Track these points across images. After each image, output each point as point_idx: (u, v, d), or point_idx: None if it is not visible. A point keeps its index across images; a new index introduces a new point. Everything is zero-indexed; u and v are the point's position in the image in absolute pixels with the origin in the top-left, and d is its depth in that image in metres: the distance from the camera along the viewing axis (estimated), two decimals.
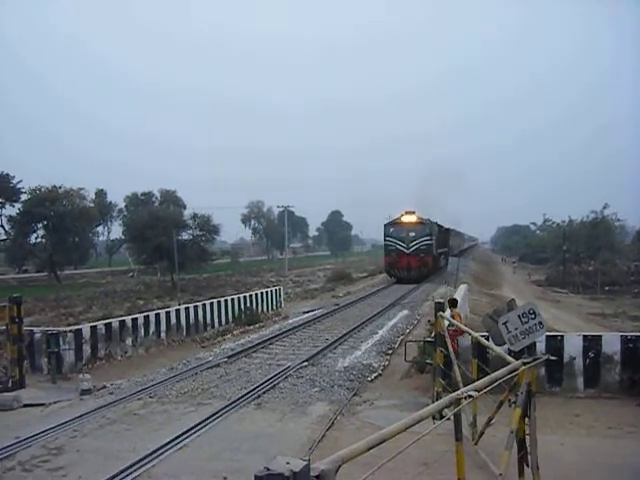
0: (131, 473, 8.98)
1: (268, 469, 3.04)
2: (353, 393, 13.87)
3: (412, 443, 4.30)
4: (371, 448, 3.87)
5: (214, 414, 12.04)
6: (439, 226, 58.09)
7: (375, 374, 15.72)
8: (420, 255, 49.00)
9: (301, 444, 10.19)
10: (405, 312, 28.51)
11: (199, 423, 11.41)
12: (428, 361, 13.32)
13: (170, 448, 10.10)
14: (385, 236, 51.29)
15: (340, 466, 3.50)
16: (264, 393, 13.76)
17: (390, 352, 18.54)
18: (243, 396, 13.41)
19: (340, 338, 20.86)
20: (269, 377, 15.05)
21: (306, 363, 16.69)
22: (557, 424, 10.97)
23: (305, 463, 3.14)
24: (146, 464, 9.35)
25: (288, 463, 3.10)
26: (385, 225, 52.02)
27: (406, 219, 50.41)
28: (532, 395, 6.79)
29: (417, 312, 28.40)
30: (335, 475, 3.42)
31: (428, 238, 49.89)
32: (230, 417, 12.07)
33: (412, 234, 49.56)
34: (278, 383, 14.61)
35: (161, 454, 9.81)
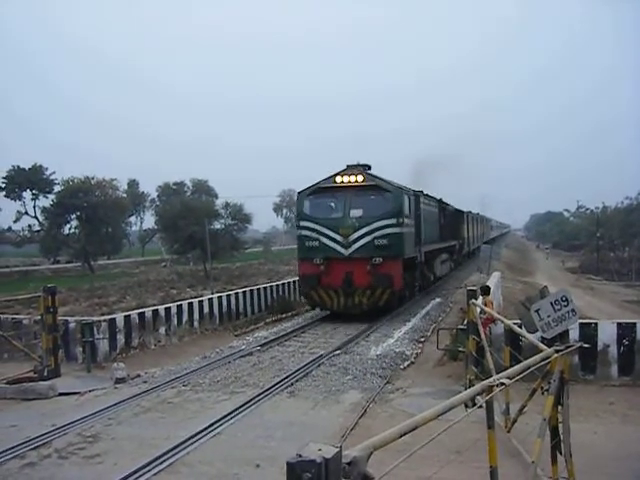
0: (165, 460, 9.07)
1: (300, 456, 3.06)
2: (386, 381, 13.86)
3: (444, 430, 4.29)
4: (403, 435, 3.86)
5: (247, 402, 12.11)
6: (440, 203, 35.20)
7: (408, 362, 15.70)
8: (375, 261, 22.15)
9: (333, 432, 10.22)
10: (437, 300, 28.40)
11: (232, 411, 11.49)
12: (460, 349, 13.29)
13: (204, 436, 10.18)
14: (299, 218, 24.65)
15: (372, 453, 3.49)
16: (297, 381, 13.82)
17: (423, 340, 18.49)
18: (276, 384, 13.47)
19: (372, 326, 20.87)
20: (302, 365, 15.10)
21: (339, 351, 16.73)
22: (591, 412, 10.87)
23: (337, 450, 3.14)
24: (180, 451, 9.44)
25: (320, 450, 3.11)
26: (300, 195, 24.85)
27: (346, 179, 23.25)
28: (565, 383, 6.73)
29: (449, 300, 28.25)
30: (367, 462, 3.42)
31: (394, 222, 22.77)
32: (263, 405, 12.14)
33: (357, 213, 23.08)
34: (311, 371, 14.66)
35: (195, 442, 9.89)
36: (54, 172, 71.65)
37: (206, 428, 10.47)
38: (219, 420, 10.93)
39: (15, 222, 73.34)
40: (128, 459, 9.14)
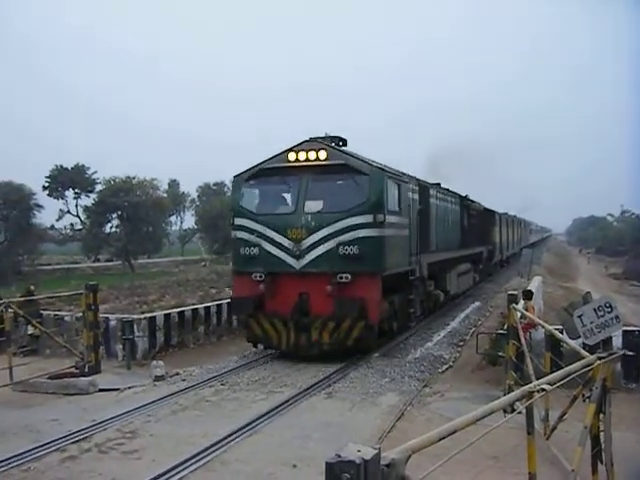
0: (203, 458, 9.12)
1: (339, 456, 3.07)
2: (424, 384, 13.80)
3: (482, 435, 4.25)
4: (442, 439, 3.84)
5: (284, 402, 12.13)
6: (464, 200, 29.58)
7: (446, 365, 15.63)
8: (340, 278, 15.34)
9: (371, 434, 10.19)
10: (477, 304, 28.19)
11: (270, 411, 11.52)
12: (500, 354, 13.18)
13: (241, 435, 10.22)
14: (233, 214, 17.43)
15: (410, 456, 3.48)
16: (335, 382, 13.81)
17: (461, 344, 18.38)
18: (314, 385, 13.48)
19: (411, 329, 20.75)
20: (340, 366, 15.08)
21: (377, 354, 16.67)
22: (634, 421, 10.67)
23: (376, 452, 3.14)
24: (217, 450, 9.49)
25: (359, 451, 3.11)
26: (235, 181, 17.90)
27: (301, 157, 16.35)
28: (607, 391, 6.64)
29: (489, 304, 28.01)
30: (405, 465, 3.41)
31: (370, 221, 15.54)
32: (300, 406, 12.16)
33: (315, 207, 16.34)
34: (349, 373, 14.64)
35: (232, 440, 9.93)
36: (96, 172, 72.92)
37: (243, 427, 10.52)
38: (256, 419, 10.97)
39: (58, 220, 74.97)
40: (166, 456, 9.21)
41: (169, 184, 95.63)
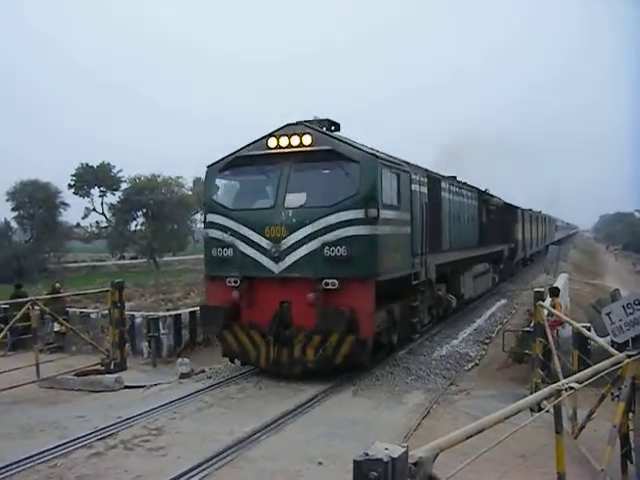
0: (228, 455, 9.14)
1: (367, 454, 3.05)
2: (450, 382, 13.73)
3: (510, 434, 4.21)
4: (469, 437, 3.81)
5: (310, 400, 12.14)
6: (482, 194, 27.39)
7: (472, 363, 15.56)
8: (326, 285, 13.17)
9: (397, 432, 10.14)
10: (503, 301, 28.02)
11: (296, 408, 11.53)
12: (526, 351, 13.08)
13: (267, 432, 10.23)
14: (205, 210, 15.56)
15: (438, 454, 3.46)
16: (360, 380, 13.78)
17: (487, 342, 18.28)
18: (340, 383, 13.47)
19: (434, 326, 20.64)
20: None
21: (403, 351, 16.62)
22: None
23: (404, 450, 3.12)
24: (243, 447, 9.51)
25: (387, 449, 3.10)
26: (209, 172, 15.45)
27: (283, 142, 14.20)
28: (637, 389, 6.56)
29: (515, 301, 27.84)
30: (432, 463, 3.39)
31: (361, 217, 13.27)
32: (326, 403, 12.15)
33: (297, 201, 14.04)
34: (375, 371, 14.59)
35: (257, 438, 9.95)
36: (121, 170, 73.46)
37: (269, 424, 10.51)
38: (282, 417, 10.97)
39: (83, 218, 75.46)
40: (191, 452, 9.24)
41: (194, 182, 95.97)
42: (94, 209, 74.58)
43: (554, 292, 13.48)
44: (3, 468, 8.74)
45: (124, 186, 72.69)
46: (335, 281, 13.04)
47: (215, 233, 14.55)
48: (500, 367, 14.87)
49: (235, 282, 13.98)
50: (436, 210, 18.77)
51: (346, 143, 14.01)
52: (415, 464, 3.22)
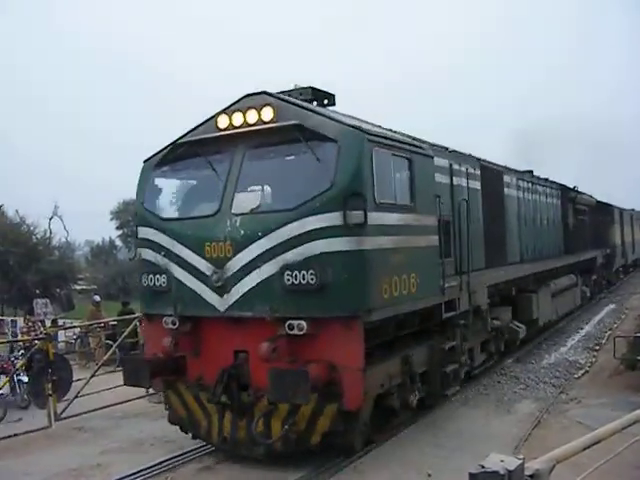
0: (335, 465, 9.18)
1: (483, 467, 3.05)
2: (559, 390, 13.43)
3: (628, 445, 4.14)
4: (586, 448, 3.77)
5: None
6: (565, 191, 22.87)
7: (582, 371, 15.15)
8: (291, 328, 8.38)
9: (506, 442, 9.98)
10: (611, 306, 27.20)
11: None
12: (639, 358, 12.71)
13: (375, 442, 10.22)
14: (138, 221, 10.53)
15: (554, 466, 3.43)
16: (467, 390, 13.64)
17: (597, 348, 17.77)
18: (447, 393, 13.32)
19: (540, 334, 20.17)
20: (472, 374, 14.80)
21: (510, 360, 16.36)
22: None
23: (520, 462, 3.11)
24: (352, 458, 9.41)
25: (502, 461, 3.10)
26: (144, 168, 10.57)
27: (237, 121, 9.32)
28: None
29: (624, 306, 26.97)
30: (549, 475, 3.37)
31: (338, 224, 8.30)
32: (436, 414, 12.03)
33: (250, 202, 9.19)
34: (481, 380, 14.42)
35: (367, 448, 9.91)
36: None
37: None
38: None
39: None
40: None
41: None
42: None
43: None
44: None
45: None
46: (302, 323, 8.45)
47: (147, 254, 10.17)
48: (612, 374, 14.47)
49: (173, 323, 9.60)
50: (496, 212, 14.90)
51: (322, 115, 9.40)
52: (531, 476, 3.21)
